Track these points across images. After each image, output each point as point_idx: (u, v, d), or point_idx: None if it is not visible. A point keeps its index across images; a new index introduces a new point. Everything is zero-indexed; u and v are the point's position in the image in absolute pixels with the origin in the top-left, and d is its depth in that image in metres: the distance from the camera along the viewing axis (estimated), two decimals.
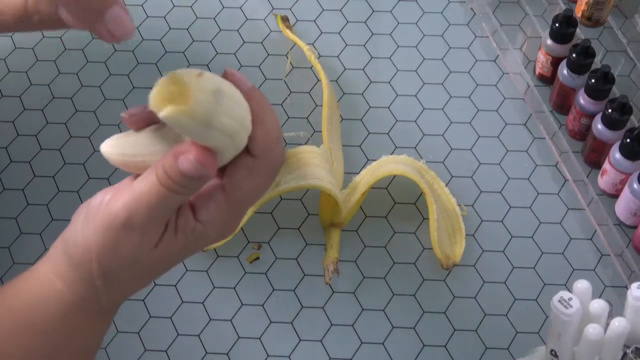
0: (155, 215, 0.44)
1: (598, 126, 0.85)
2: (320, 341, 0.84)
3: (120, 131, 0.48)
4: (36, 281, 0.48)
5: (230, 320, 0.85)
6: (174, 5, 1.05)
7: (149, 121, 0.47)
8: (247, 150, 0.45)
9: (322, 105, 0.94)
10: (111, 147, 0.47)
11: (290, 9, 1.05)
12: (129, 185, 0.45)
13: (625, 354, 0.61)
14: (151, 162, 0.45)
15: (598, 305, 0.60)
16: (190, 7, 1.05)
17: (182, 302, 0.86)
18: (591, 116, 0.87)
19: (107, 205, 0.45)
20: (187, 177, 0.42)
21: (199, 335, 0.84)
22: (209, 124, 0.39)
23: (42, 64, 1.02)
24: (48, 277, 0.48)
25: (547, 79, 0.95)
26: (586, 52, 0.87)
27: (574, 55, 0.87)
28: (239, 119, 0.42)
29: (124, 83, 0.99)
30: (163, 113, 0.38)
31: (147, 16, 1.04)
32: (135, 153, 0.45)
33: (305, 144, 0.93)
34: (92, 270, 0.46)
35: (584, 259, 0.87)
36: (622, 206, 0.85)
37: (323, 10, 1.05)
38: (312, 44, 1.01)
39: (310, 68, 1.00)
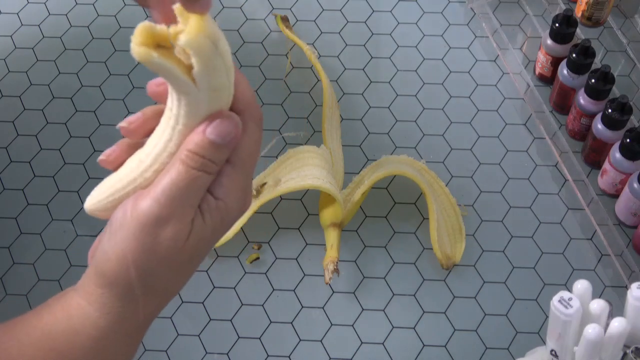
0: (188, 201, 0.44)
1: (598, 126, 0.85)
2: (320, 341, 0.84)
3: (119, 131, 0.48)
4: (68, 308, 0.47)
5: (230, 320, 0.85)
6: None
7: (147, 129, 0.47)
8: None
9: (322, 105, 0.94)
10: (97, 196, 0.47)
11: (290, 9, 1.05)
12: (149, 188, 0.44)
13: (625, 354, 0.61)
14: (145, 183, 0.45)
15: (598, 305, 0.60)
16: None
17: (182, 302, 0.86)
18: (591, 116, 0.87)
19: (133, 210, 0.44)
20: (217, 147, 0.43)
21: (199, 335, 0.84)
22: (216, 44, 0.41)
23: (42, 64, 1.02)
24: (78, 303, 0.47)
25: (547, 79, 0.95)
26: (586, 52, 0.87)
27: (574, 55, 0.87)
28: (230, 52, 0.43)
29: (124, 83, 1.00)
30: (185, 37, 0.40)
31: (147, 16, 1.04)
32: (125, 183, 0.45)
33: (305, 144, 0.93)
34: (130, 279, 0.45)
35: (584, 259, 0.87)
36: (622, 206, 0.85)
37: (323, 10, 1.05)
38: (312, 44, 1.01)
39: (310, 68, 1.00)
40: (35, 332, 0.47)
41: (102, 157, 0.47)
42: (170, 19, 0.41)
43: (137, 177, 0.45)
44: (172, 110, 0.44)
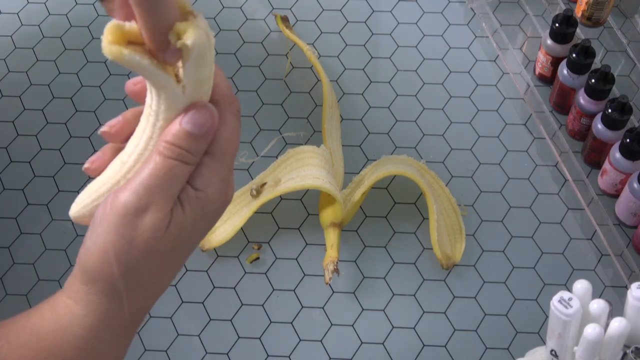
0: (166, 191, 0.44)
1: (598, 126, 0.85)
2: (320, 341, 0.84)
3: None
4: (55, 308, 0.47)
5: (230, 320, 0.85)
6: None
7: (129, 131, 0.47)
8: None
9: (322, 105, 0.94)
10: (82, 203, 0.47)
11: (290, 9, 1.05)
12: (128, 182, 0.44)
13: (625, 354, 0.61)
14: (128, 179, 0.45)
15: (598, 305, 0.60)
16: None
17: (182, 302, 0.86)
18: (591, 116, 0.87)
19: (113, 203, 0.44)
20: (194, 137, 0.43)
21: (199, 335, 0.84)
22: (209, 36, 0.42)
23: (42, 64, 1.02)
24: (65, 302, 0.47)
25: (547, 79, 0.95)
26: (586, 52, 0.87)
27: (574, 55, 0.87)
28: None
29: (123, 83, 0.99)
30: (189, 38, 0.40)
31: None
32: (110, 187, 0.46)
33: (305, 144, 0.93)
34: (113, 273, 0.45)
35: (584, 259, 0.87)
36: (622, 206, 0.85)
37: (323, 10, 1.05)
38: (312, 44, 1.01)
39: (310, 68, 1.00)
40: (24, 332, 0.47)
41: (86, 165, 0.47)
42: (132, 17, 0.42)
43: (120, 179, 0.45)
44: (152, 107, 0.44)
